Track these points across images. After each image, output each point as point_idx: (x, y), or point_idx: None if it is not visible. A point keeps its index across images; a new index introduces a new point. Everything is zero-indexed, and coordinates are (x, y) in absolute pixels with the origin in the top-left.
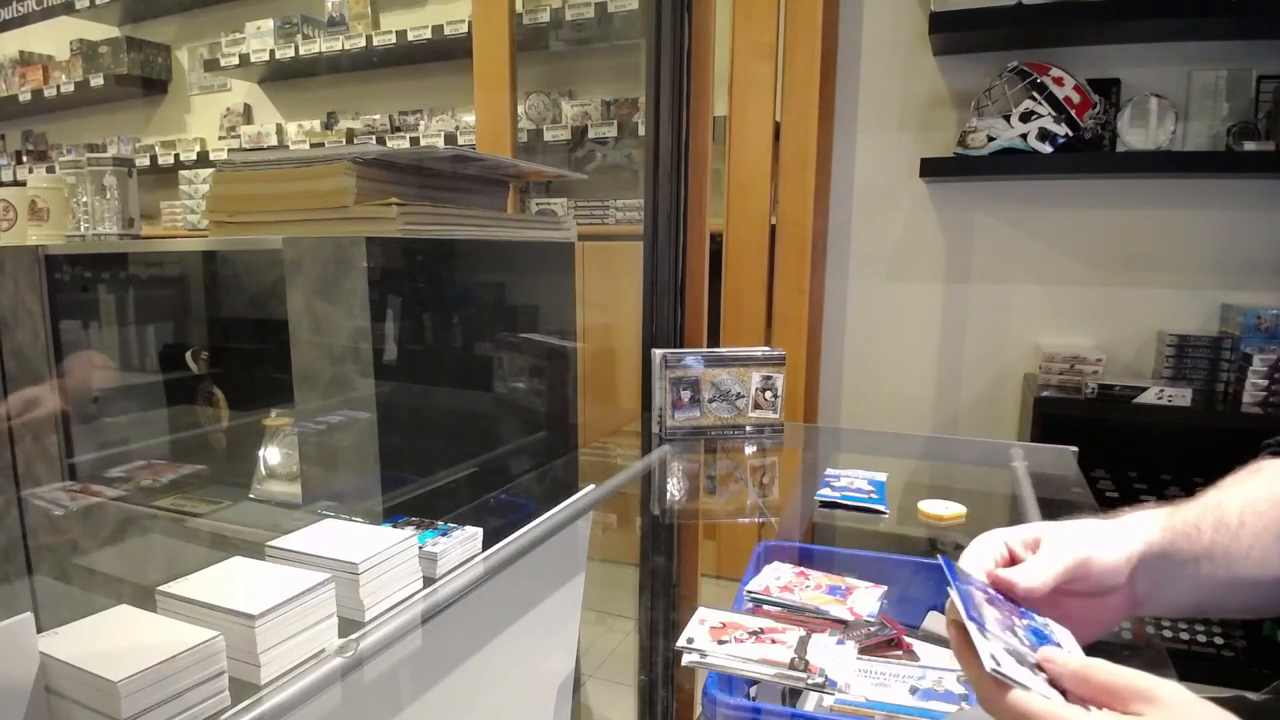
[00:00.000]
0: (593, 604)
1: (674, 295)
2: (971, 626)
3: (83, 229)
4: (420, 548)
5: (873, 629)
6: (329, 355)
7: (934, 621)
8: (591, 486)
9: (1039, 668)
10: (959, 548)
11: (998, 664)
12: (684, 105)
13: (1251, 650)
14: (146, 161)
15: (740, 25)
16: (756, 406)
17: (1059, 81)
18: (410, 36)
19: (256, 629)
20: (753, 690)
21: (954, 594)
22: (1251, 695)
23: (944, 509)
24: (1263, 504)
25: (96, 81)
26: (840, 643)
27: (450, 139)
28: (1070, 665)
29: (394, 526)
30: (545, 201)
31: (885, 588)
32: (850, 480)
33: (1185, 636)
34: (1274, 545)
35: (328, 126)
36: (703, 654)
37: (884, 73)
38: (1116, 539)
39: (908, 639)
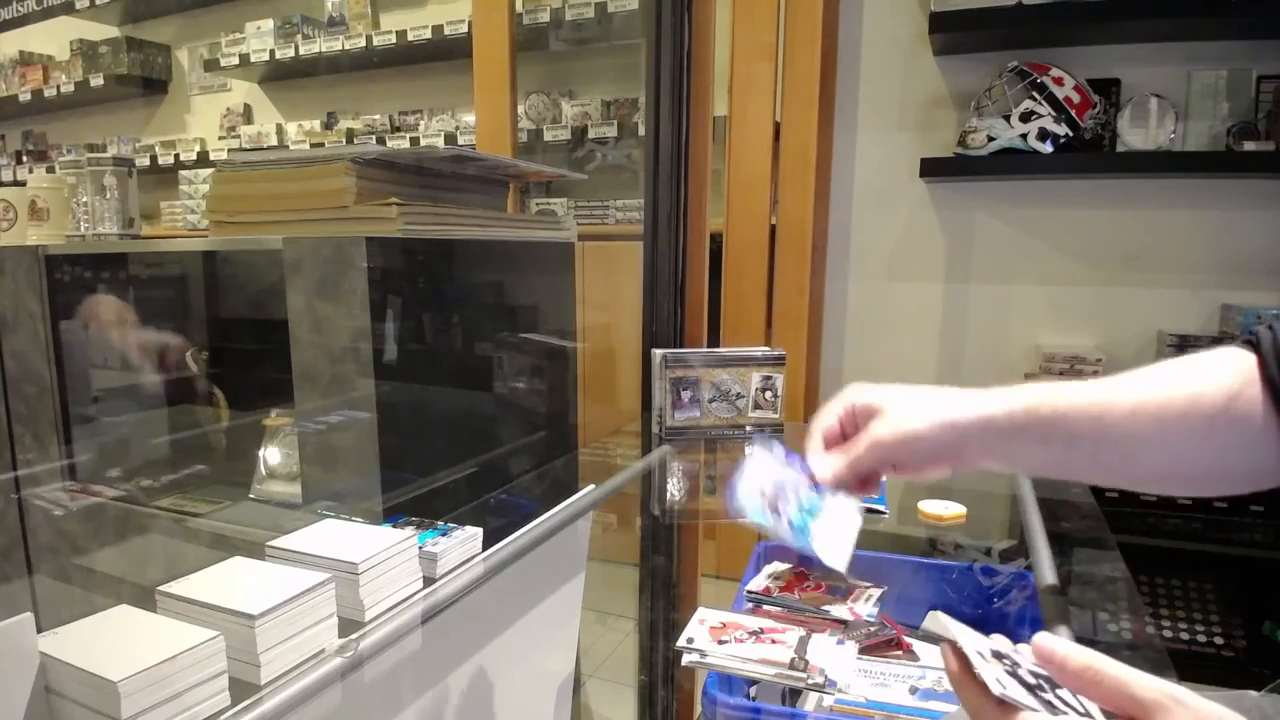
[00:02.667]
0: (593, 604)
1: (674, 295)
2: (972, 652)
3: (83, 229)
4: (420, 548)
5: (873, 629)
6: (329, 355)
7: (934, 621)
8: (591, 486)
9: (1038, 689)
10: (959, 547)
11: (1004, 687)
12: (684, 105)
13: (1251, 650)
14: (146, 161)
15: (740, 25)
16: (756, 406)
17: (1059, 81)
18: (410, 36)
19: (256, 629)
20: (753, 690)
21: (946, 619)
22: (1253, 694)
23: (944, 509)
24: (1172, 394)
25: (96, 81)
26: (840, 643)
27: (450, 139)
28: (1075, 661)
29: (394, 526)
30: (545, 201)
31: (885, 588)
32: None
33: (1185, 636)
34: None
35: (328, 126)
36: (703, 654)
37: (884, 73)
38: (947, 416)
39: (908, 639)
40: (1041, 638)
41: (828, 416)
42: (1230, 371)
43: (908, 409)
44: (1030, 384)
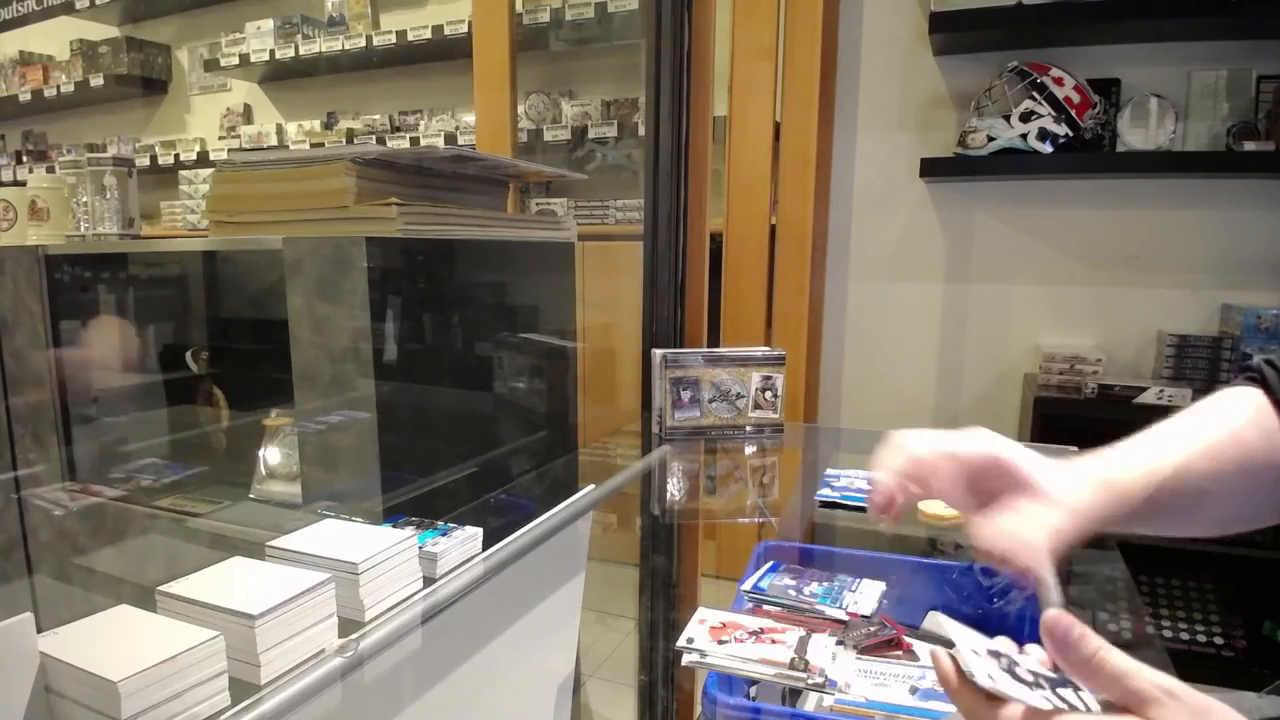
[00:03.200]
0: (593, 604)
1: (674, 295)
2: (966, 650)
3: (83, 229)
4: (420, 548)
5: (873, 629)
6: (329, 355)
7: (934, 621)
8: (591, 486)
9: (1036, 686)
10: (959, 547)
11: (993, 679)
12: (684, 105)
13: (1251, 650)
14: (146, 161)
15: (740, 25)
16: (756, 406)
17: (1059, 81)
18: (410, 36)
19: (256, 629)
20: (753, 690)
21: (945, 620)
22: (1252, 695)
23: (944, 509)
24: (1220, 451)
25: (96, 81)
26: (840, 643)
27: (450, 139)
28: (1084, 648)
29: (394, 526)
30: (545, 201)
31: (885, 587)
32: (850, 480)
33: (1185, 636)
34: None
35: (328, 126)
36: (703, 654)
37: (884, 73)
38: (1094, 521)
39: (908, 639)
40: (1057, 615)
41: (925, 449)
42: (1253, 410)
43: (1063, 498)
44: (1115, 468)
